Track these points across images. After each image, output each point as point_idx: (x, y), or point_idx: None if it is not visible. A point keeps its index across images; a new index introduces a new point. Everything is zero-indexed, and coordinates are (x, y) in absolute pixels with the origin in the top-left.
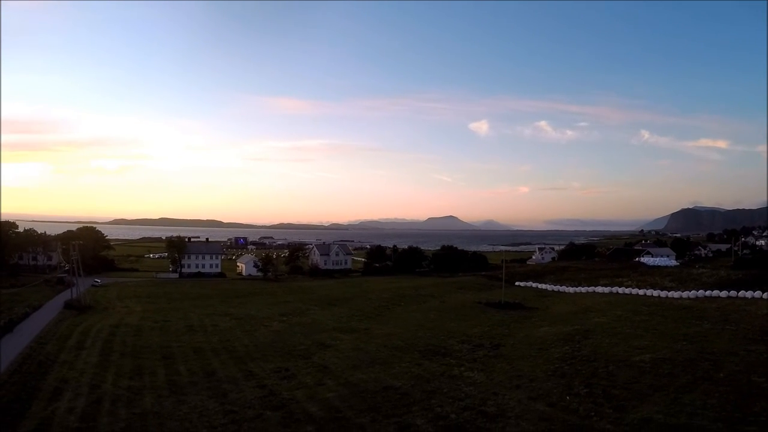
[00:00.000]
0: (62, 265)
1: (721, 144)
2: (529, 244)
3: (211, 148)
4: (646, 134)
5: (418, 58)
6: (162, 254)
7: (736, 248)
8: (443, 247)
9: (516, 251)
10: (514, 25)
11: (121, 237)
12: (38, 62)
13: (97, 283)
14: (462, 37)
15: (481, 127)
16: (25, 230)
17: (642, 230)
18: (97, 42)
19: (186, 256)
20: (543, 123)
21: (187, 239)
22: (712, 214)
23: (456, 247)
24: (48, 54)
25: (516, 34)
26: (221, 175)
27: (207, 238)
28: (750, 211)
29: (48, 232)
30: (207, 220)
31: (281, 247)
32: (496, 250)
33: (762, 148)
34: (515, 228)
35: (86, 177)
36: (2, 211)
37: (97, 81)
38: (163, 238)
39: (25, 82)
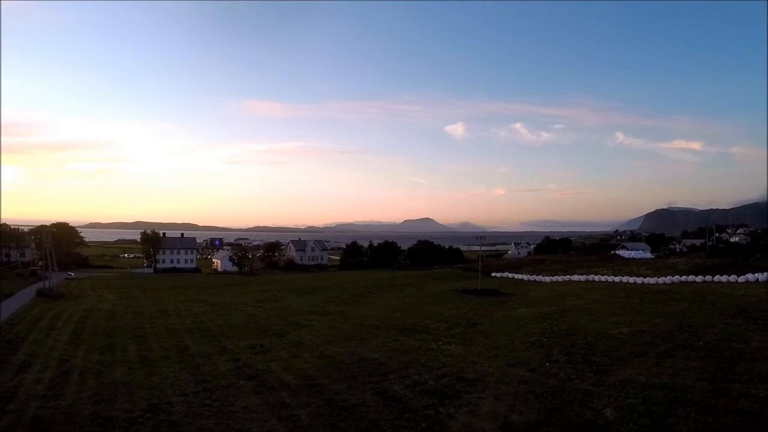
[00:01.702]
0: (36, 261)
1: (695, 145)
2: (505, 244)
3: (186, 150)
4: (620, 136)
5: (394, 61)
6: (137, 254)
7: (710, 243)
8: (419, 242)
9: (492, 251)
10: (490, 27)
11: (96, 239)
12: (11, 65)
13: (70, 276)
14: (438, 40)
15: (457, 129)
16: None
17: (617, 230)
18: (72, 44)
19: (161, 251)
20: (518, 125)
21: (162, 234)
22: (687, 214)
23: (432, 242)
24: (21, 57)
25: (491, 37)
26: (197, 177)
27: (182, 234)
28: (724, 210)
29: None
30: (182, 223)
31: (257, 247)
32: (472, 249)
33: (736, 149)
34: (491, 229)
35: (61, 180)
36: None
37: (72, 84)
38: (139, 240)
39: None
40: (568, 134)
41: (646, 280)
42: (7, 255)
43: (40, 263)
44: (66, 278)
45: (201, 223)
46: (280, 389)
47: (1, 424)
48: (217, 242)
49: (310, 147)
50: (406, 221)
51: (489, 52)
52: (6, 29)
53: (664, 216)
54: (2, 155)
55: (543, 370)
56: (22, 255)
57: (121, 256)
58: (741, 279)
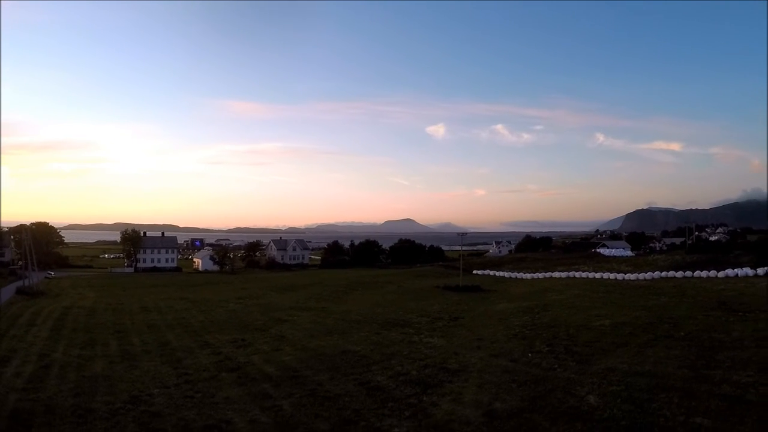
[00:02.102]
0: (15, 260)
1: (675, 146)
2: (486, 244)
3: (167, 151)
4: (601, 137)
5: (376, 62)
6: (118, 254)
7: (690, 241)
8: (401, 240)
9: (473, 250)
10: (472, 28)
11: (76, 240)
12: None
13: (50, 275)
14: (420, 41)
15: (439, 130)
16: None
17: (597, 230)
18: (53, 45)
19: (141, 251)
20: (500, 126)
21: (142, 233)
22: (666, 214)
23: (413, 241)
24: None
25: (473, 38)
26: (177, 178)
27: (162, 233)
28: (704, 210)
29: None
30: (163, 224)
31: (238, 248)
32: (453, 248)
33: (715, 149)
34: (472, 230)
35: (41, 181)
36: None
37: (52, 84)
38: (119, 241)
39: None
40: (549, 135)
41: (627, 276)
42: None
43: (20, 263)
44: (46, 277)
45: (182, 225)
46: (262, 381)
47: None
48: (197, 243)
49: (291, 148)
50: (387, 222)
51: (470, 54)
52: None
53: (644, 216)
54: None
55: (525, 360)
56: (1, 255)
57: (101, 256)
58: (721, 274)
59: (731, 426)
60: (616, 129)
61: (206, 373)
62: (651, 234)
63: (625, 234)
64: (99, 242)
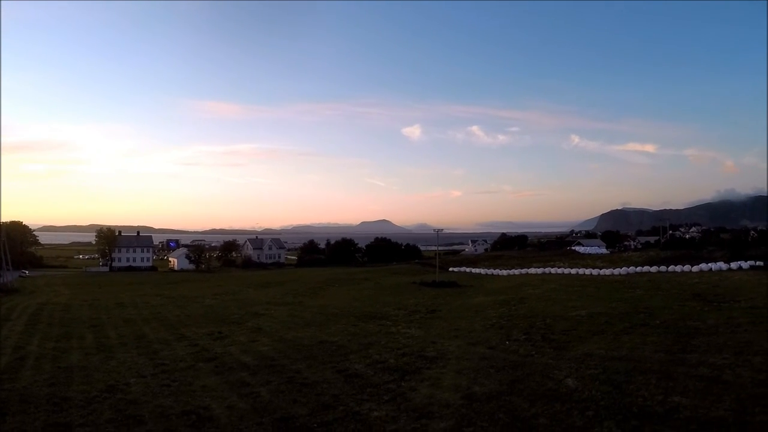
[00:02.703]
0: None
1: (649, 148)
2: (462, 244)
3: (142, 152)
4: (576, 139)
5: (352, 63)
6: (92, 255)
7: (664, 239)
8: (377, 239)
9: (449, 250)
10: (447, 30)
11: (50, 242)
12: None
13: (24, 274)
14: (395, 42)
15: (414, 132)
16: None
17: (572, 230)
18: (23, 45)
19: (116, 250)
20: (475, 128)
21: (117, 232)
22: (641, 214)
23: (390, 240)
24: None
25: (448, 39)
26: (152, 180)
27: (138, 232)
28: (678, 211)
29: None
30: (138, 225)
31: (214, 248)
32: (429, 249)
33: (689, 151)
34: (448, 232)
35: (14, 182)
36: None
37: (23, 84)
38: (93, 242)
39: None
40: (524, 137)
41: (602, 271)
42: None
43: None
44: (20, 276)
45: (157, 226)
46: (239, 370)
47: None
48: (172, 244)
49: (267, 149)
50: (363, 223)
51: (446, 55)
52: None
53: (618, 216)
54: None
55: (503, 348)
56: None
57: (75, 257)
58: (695, 269)
59: (709, 404)
60: (590, 131)
61: (183, 364)
62: (626, 233)
63: (599, 233)
64: (74, 243)
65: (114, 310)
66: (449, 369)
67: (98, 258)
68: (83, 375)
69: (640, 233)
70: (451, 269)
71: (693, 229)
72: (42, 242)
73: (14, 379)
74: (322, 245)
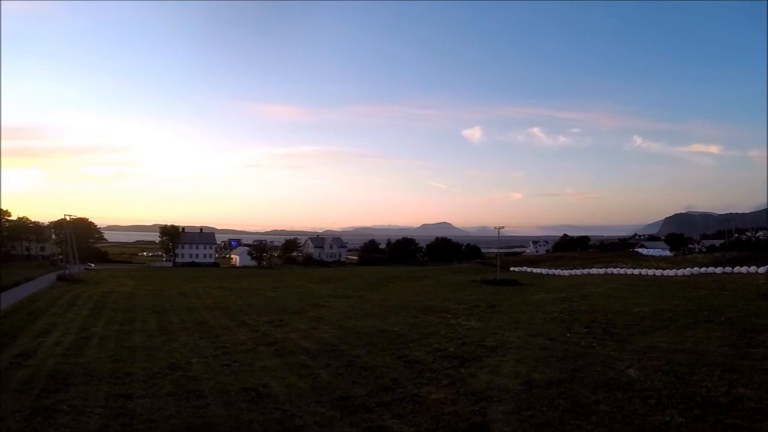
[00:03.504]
0: (56, 254)
1: (714, 149)
2: (522, 247)
3: (204, 155)
4: (638, 140)
5: (412, 64)
6: (156, 252)
7: (729, 241)
8: (437, 239)
9: (511, 252)
10: (507, 30)
11: (115, 240)
12: (31, 68)
13: (90, 267)
14: (455, 43)
15: (474, 133)
16: (18, 218)
17: (636, 234)
18: (92, 48)
19: (180, 246)
20: (536, 129)
21: (181, 229)
22: (705, 218)
23: (450, 239)
24: (41, 60)
25: (509, 40)
26: (214, 181)
27: (201, 228)
28: (743, 214)
29: None
30: (201, 225)
31: (275, 248)
32: (490, 251)
33: (754, 152)
34: (509, 234)
35: (80, 183)
36: None
37: (90, 87)
38: (157, 241)
39: (18, 89)
40: (586, 138)
41: (665, 272)
42: (27, 248)
43: (60, 256)
44: (86, 269)
45: (219, 226)
46: (299, 353)
47: (19, 374)
48: (234, 243)
49: (328, 151)
50: (423, 225)
51: (506, 56)
52: (25, 33)
53: (682, 220)
54: (22, 159)
55: (564, 339)
56: (42, 249)
57: (140, 254)
58: (761, 270)
59: None
60: (653, 131)
61: (244, 347)
62: (690, 236)
63: (663, 237)
64: (138, 242)
65: (177, 299)
66: (509, 357)
67: (162, 254)
68: (146, 354)
69: (704, 237)
70: (512, 269)
71: (760, 232)
72: (107, 240)
73: (78, 355)
74: (383, 245)
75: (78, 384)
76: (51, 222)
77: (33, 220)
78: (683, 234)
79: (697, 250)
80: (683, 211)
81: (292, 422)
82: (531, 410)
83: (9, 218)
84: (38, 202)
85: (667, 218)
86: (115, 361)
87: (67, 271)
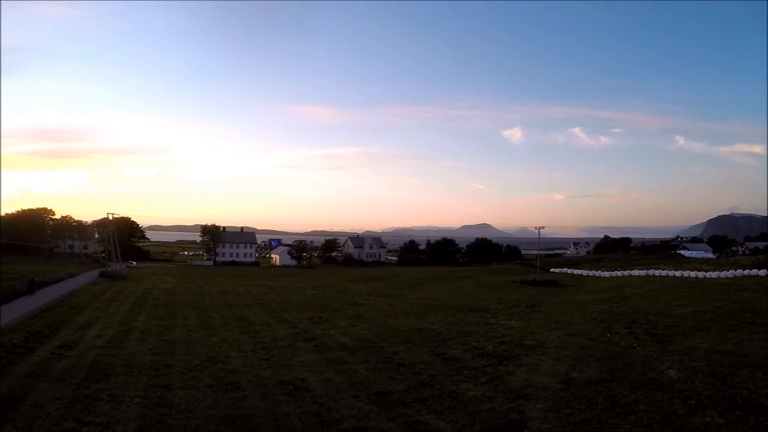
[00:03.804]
0: (99, 252)
1: (758, 149)
2: (563, 249)
3: (244, 156)
4: (680, 140)
5: (450, 65)
6: (197, 251)
7: None
8: (477, 239)
9: (551, 253)
10: (546, 30)
11: (156, 240)
12: (72, 71)
13: (132, 265)
14: (494, 43)
15: (515, 134)
16: (62, 217)
17: (678, 236)
18: (131, 50)
19: (220, 245)
20: (577, 130)
21: (222, 228)
22: (749, 220)
23: (490, 240)
24: (81, 63)
25: (549, 40)
26: (253, 182)
27: (242, 228)
28: None
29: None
30: (241, 226)
31: (315, 248)
32: (530, 253)
33: None
34: (549, 236)
35: (121, 184)
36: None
37: (130, 89)
38: (198, 241)
39: (59, 91)
40: (627, 138)
41: (708, 274)
42: (71, 246)
43: (103, 254)
44: (128, 266)
45: (259, 227)
46: (338, 349)
47: (60, 365)
48: (274, 243)
49: (367, 152)
50: (463, 227)
51: (547, 56)
52: (69, 37)
53: (726, 222)
54: (65, 160)
55: (604, 339)
56: (85, 247)
57: (181, 253)
58: None
59: None
60: (695, 131)
61: (282, 342)
62: (733, 238)
63: (706, 239)
64: (179, 242)
65: (217, 296)
66: (548, 357)
67: (202, 253)
68: (185, 348)
69: (748, 239)
70: (552, 270)
71: None
72: (149, 241)
73: (119, 348)
74: (422, 246)
75: (118, 375)
76: (94, 221)
77: (76, 219)
78: (726, 236)
79: (740, 252)
80: (727, 213)
81: (329, 415)
82: (569, 408)
83: (53, 217)
84: (81, 202)
85: (710, 220)
86: (155, 354)
87: (109, 268)
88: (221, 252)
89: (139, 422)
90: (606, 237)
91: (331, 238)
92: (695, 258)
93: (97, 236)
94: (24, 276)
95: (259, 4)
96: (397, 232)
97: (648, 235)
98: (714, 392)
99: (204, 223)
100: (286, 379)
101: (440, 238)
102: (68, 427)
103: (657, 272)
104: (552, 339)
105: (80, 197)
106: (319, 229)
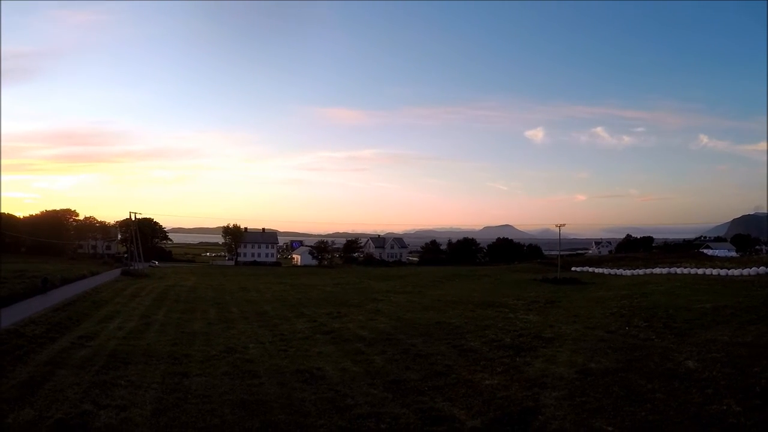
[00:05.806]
0: (122, 252)
1: None
2: (586, 249)
3: (265, 158)
4: (704, 138)
5: (471, 66)
6: (219, 253)
7: None
8: (498, 239)
9: (573, 253)
10: (569, 30)
11: (179, 242)
12: (96, 76)
13: (154, 264)
14: (515, 43)
15: (537, 134)
16: (85, 218)
17: (701, 236)
18: (153, 54)
19: (242, 245)
20: (599, 129)
21: (243, 228)
22: None
23: (512, 240)
24: (105, 68)
25: (570, 40)
26: (276, 184)
27: (263, 228)
28: None
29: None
30: (263, 228)
31: (337, 249)
32: (552, 254)
33: None
34: (571, 236)
35: (145, 187)
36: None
37: (153, 94)
38: (220, 242)
39: (83, 96)
40: (650, 138)
41: (730, 271)
42: (94, 247)
43: (126, 254)
44: (150, 266)
45: (281, 229)
46: (355, 341)
47: (81, 353)
48: (296, 244)
49: (389, 154)
50: (486, 228)
51: (568, 55)
52: (93, 43)
53: (751, 222)
54: (88, 164)
55: (622, 332)
56: (108, 248)
57: (203, 254)
58: None
59: None
60: (719, 130)
61: (301, 335)
62: (757, 237)
63: (729, 239)
64: (201, 243)
65: (237, 293)
66: (565, 348)
67: (224, 254)
68: (204, 339)
69: None
70: (573, 269)
71: None
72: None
73: (139, 338)
74: (444, 246)
75: (137, 363)
76: (117, 222)
77: (99, 220)
78: (750, 235)
79: (764, 251)
80: (751, 213)
81: (344, 401)
82: (584, 396)
83: (76, 218)
84: (105, 204)
85: (734, 220)
86: (174, 344)
87: (131, 267)
88: (243, 252)
89: (155, 405)
90: (628, 236)
91: (353, 238)
92: (718, 256)
93: (119, 237)
94: (45, 275)
95: (282, 5)
96: (419, 234)
97: (671, 235)
98: (732, 382)
99: (227, 225)
100: (302, 368)
101: (462, 239)
102: (86, 409)
103: (679, 270)
104: (570, 332)
105: (103, 199)
106: (341, 230)
